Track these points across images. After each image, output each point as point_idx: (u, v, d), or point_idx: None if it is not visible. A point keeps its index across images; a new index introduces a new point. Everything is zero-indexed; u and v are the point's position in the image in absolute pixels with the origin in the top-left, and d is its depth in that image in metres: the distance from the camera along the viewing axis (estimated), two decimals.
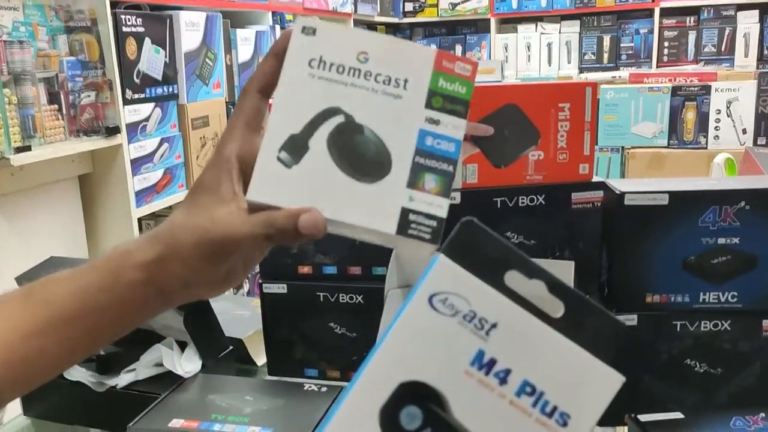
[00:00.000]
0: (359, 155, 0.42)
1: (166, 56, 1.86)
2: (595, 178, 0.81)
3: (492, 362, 0.36)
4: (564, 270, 0.71)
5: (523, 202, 0.80)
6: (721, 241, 0.73)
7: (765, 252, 0.73)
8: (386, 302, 0.77)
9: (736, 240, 0.73)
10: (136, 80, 1.76)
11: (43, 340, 0.42)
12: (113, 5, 1.67)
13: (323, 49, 0.43)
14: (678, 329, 0.76)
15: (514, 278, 0.38)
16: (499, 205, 0.80)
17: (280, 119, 0.42)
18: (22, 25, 1.50)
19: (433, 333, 0.36)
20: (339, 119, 0.42)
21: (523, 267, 0.38)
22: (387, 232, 0.42)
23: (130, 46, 1.72)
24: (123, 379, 0.79)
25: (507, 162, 0.79)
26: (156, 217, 1.97)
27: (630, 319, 0.76)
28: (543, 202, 0.80)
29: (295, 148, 0.42)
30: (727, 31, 3.66)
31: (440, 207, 0.42)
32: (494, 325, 0.37)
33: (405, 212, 0.42)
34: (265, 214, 0.41)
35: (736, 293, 0.75)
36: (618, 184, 0.77)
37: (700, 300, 0.75)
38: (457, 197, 0.78)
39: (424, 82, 0.43)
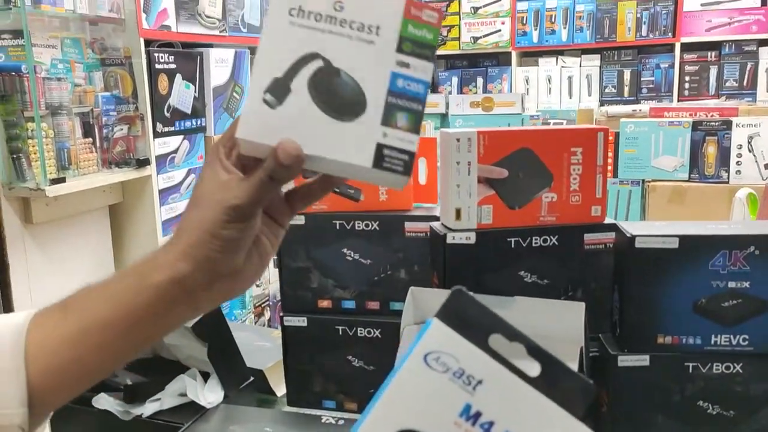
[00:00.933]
0: (337, 96, 0.46)
1: (195, 91, 1.93)
2: (608, 220, 0.83)
3: (478, 414, 0.41)
4: (575, 311, 0.73)
5: (536, 243, 0.82)
6: (732, 284, 0.75)
7: None
8: (402, 338, 0.79)
9: (746, 284, 0.74)
10: (167, 114, 1.82)
11: (79, 347, 0.45)
12: (147, 43, 1.74)
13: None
14: (690, 371, 0.77)
15: (497, 341, 0.43)
16: (513, 245, 0.82)
17: (264, 64, 0.45)
18: (60, 62, 1.57)
19: (427, 387, 0.41)
20: (318, 63, 0.46)
21: (505, 331, 0.43)
22: (363, 165, 0.45)
23: (162, 81, 1.79)
24: (148, 409, 0.82)
25: (521, 204, 0.82)
26: None
27: (642, 360, 0.77)
28: (556, 243, 0.82)
29: (279, 90, 0.45)
30: (748, 66, 3.67)
31: (411, 142, 0.46)
32: (480, 382, 0.41)
33: (380, 147, 0.46)
34: (261, 164, 0.44)
35: (747, 336, 0.76)
36: (629, 227, 0.79)
37: (712, 342, 0.77)
38: (472, 237, 0.81)
39: (395, 29, 0.46)
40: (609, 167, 3.03)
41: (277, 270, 2.59)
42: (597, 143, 0.82)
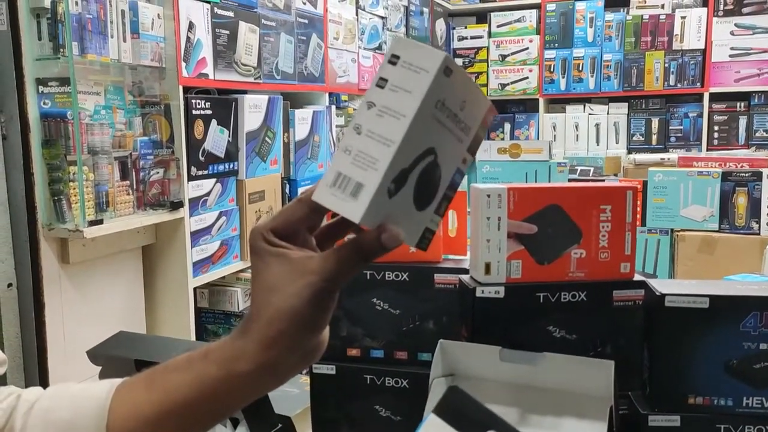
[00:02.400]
0: (429, 190, 0.47)
1: (229, 136, 1.98)
2: (637, 276, 0.84)
3: None
4: (605, 369, 0.73)
5: (565, 298, 0.83)
6: (763, 346, 0.74)
7: None
8: (430, 390, 0.80)
9: None
10: (201, 158, 1.88)
11: (158, 428, 0.46)
12: (185, 90, 1.81)
13: (448, 93, 0.45)
14: None
15: None
16: (541, 300, 0.83)
17: (402, 149, 0.44)
18: (103, 108, 1.64)
19: None
20: (430, 159, 0.46)
21: (500, 428, 0.43)
22: (411, 244, 0.47)
23: (198, 127, 1.85)
24: None
25: (550, 259, 0.83)
26: (210, 286, 2.05)
27: (672, 420, 0.77)
28: (585, 299, 0.83)
29: (401, 181, 0.45)
30: None
31: (437, 224, 0.49)
32: None
33: (425, 231, 0.48)
34: (348, 241, 0.44)
35: None
36: (658, 285, 0.80)
37: (744, 404, 0.76)
38: (501, 291, 0.82)
39: (474, 130, 0.49)
40: (637, 216, 3.02)
41: None
42: (626, 201, 0.83)
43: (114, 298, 1.77)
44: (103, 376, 0.92)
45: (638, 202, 3.04)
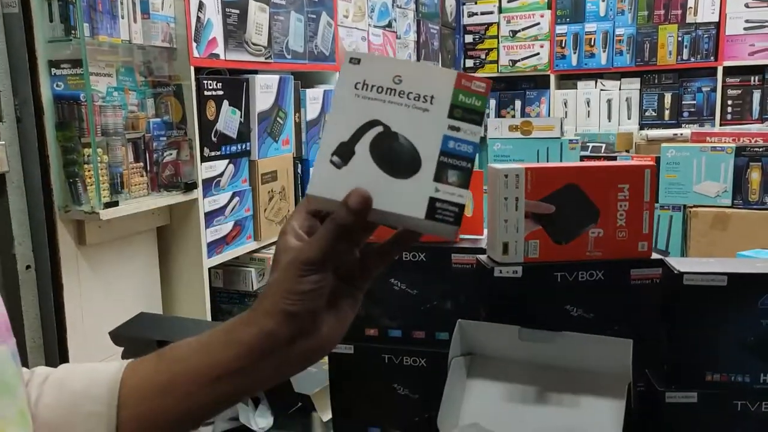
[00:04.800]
0: (395, 157, 0.51)
1: (241, 116, 1.98)
2: (654, 255, 0.84)
3: None
4: (623, 347, 0.73)
5: (582, 277, 0.83)
6: None
7: None
8: (450, 369, 0.81)
9: None
10: (213, 139, 1.88)
11: (167, 396, 0.48)
12: (197, 71, 1.80)
13: (366, 74, 0.52)
14: (739, 409, 0.77)
15: None
16: (559, 279, 0.83)
17: (331, 130, 0.52)
18: (115, 90, 1.64)
19: None
20: (378, 129, 0.52)
21: None
22: (417, 216, 0.50)
23: (210, 108, 1.85)
24: None
25: (568, 239, 0.83)
26: (225, 266, 2.07)
27: (690, 397, 0.77)
28: (602, 278, 0.83)
29: (344, 152, 0.51)
30: None
31: (461, 196, 0.51)
32: None
33: (432, 201, 0.51)
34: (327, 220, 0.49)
35: None
36: (676, 263, 0.80)
37: (761, 381, 0.76)
38: (519, 271, 0.82)
39: (446, 98, 0.52)
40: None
41: None
42: (644, 180, 0.83)
43: (130, 279, 1.79)
44: (125, 356, 0.94)
45: (654, 182, 3.03)
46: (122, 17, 1.57)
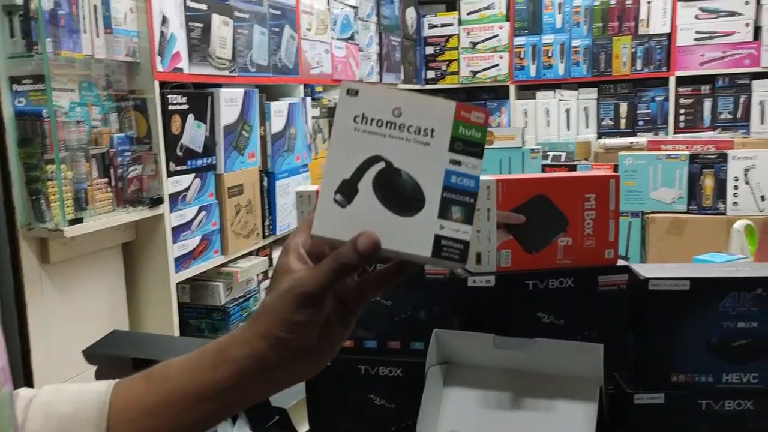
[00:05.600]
0: (398, 194, 0.51)
1: (207, 130, 1.98)
2: (621, 261, 0.87)
3: None
4: (594, 352, 0.76)
5: (553, 285, 0.86)
6: (741, 325, 0.78)
7: None
8: (427, 378, 0.82)
9: (755, 324, 0.78)
10: (179, 153, 1.87)
11: (158, 418, 0.48)
12: (161, 85, 1.79)
13: (365, 107, 0.52)
14: (703, 407, 0.80)
15: None
16: (530, 287, 0.86)
17: (333, 167, 0.51)
18: (78, 105, 1.62)
19: None
20: (381, 165, 0.51)
21: None
22: (424, 255, 0.50)
23: (175, 122, 1.83)
24: None
25: (538, 248, 0.86)
26: (192, 281, 2.05)
27: (657, 398, 0.80)
28: (572, 285, 0.86)
29: (347, 190, 0.51)
30: (742, 99, 3.75)
31: (465, 233, 0.51)
32: None
33: (438, 239, 0.51)
34: (331, 254, 0.49)
35: (757, 374, 0.79)
36: (641, 269, 0.83)
37: (723, 380, 0.80)
38: (492, 280, 0.85)
39: (447, 130, 0.52)
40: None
41: None
42: (609, 189, 0.87)
43: (96, 297, 1.75)
44: (99, 374, 0.93)
45: (618, 192, 3.11)
46: (84, 32, 1.55)
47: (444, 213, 0.51)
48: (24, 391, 0.52)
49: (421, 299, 0.94)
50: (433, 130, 0.52)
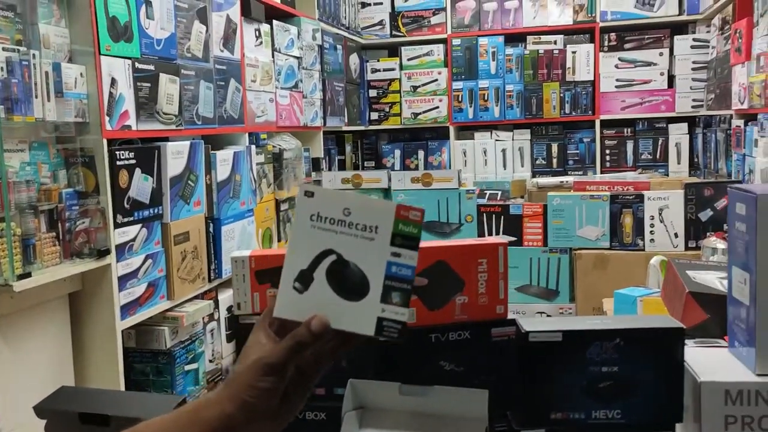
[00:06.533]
0: (348, 282, 0.62)
1: (153, 182, 2.08)
2: (510, 315, 1.02)
3: None
4: (480, 397, 0.90)
5: (452, 337, 1.01)
6: (605, 369, 0.94)
7: (637, 377, 0.94)
8: (343, 422, 0.95)
9: (615, 368, 0.94)
10: (126, 205, 1.96)
11: None
12: (110, 142, 1.89)
13: (319, 207, 0.63)
14: None
15: None
16: (433, 340, 1.00)
17: (293, 258, 0.62)
18: (28, 165, 1.71)
19: None
20: (333, 257, 0.62)
21: None
22: (368, 334, 0.62)
23: (123, 176, 1.93)
24: None
25: (438, 306, 1.01)
26: (137, 326, 2.12)
27: None
28: (468, 337, 1.01)
29: (304, 279, 0.62)
30: (660, 141, 4.05)
31: (403, 314, 0.63)
32: None
33: (380, 320, 0.62)
34: (290, 333, 0.61)
35: (620, 411, 0.95)
36: (525, 323, 0.98)
37: (593, 417, 0.95)
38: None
39: (388, 228, 0.63)
40: (540, 237, 3.29)
41: (229, 344, 2.67)
42: (499, 255, 1.02)
43: (42, 346, 1.82)
44: (49, 429, 1.01)
45: (539, 224, 3.32)
46: (36, 97, 1.65)
47: (385, 298, 0.62)
48: None
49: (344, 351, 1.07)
50: (377, 227, 0.63)
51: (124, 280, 1.97)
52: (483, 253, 1.01)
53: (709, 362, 0.94)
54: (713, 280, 1.49)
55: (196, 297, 2.39)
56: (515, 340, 1.00)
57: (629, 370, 0.94)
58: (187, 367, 2.25)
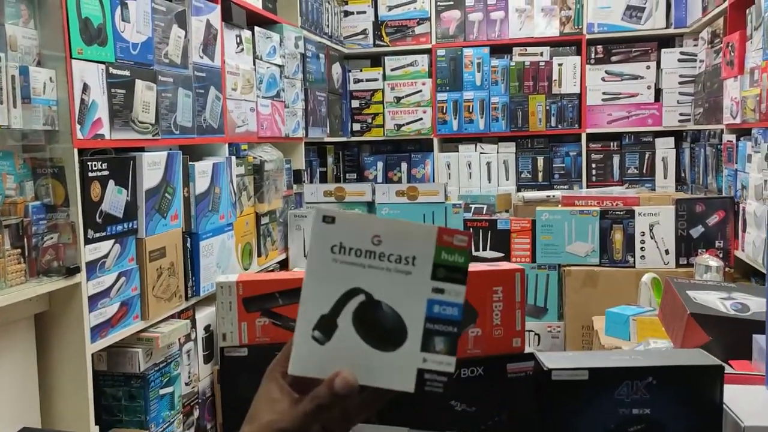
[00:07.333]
0: (379, 328, 0.50)
1: (128, 195, 1.95)
2: (527, 348, 0.93)
3: None
4: None
5: (464, 374, 0.90)
6: (635, 411, 0.85)
7: (671, 420, 0.85)
8: None
9: (647, 410, 0.85)
10: (98, 220, 1.83)
11: None
12: (81, 152, 1.77)
13: (342, 236, 0.50)
14: None
15: None
16: None
17: (311, 301, 0.49)
18: None
19: None
20: (361, 298, 0.50)
21: None
22: (407, 390, 0.50)
23: (95, 189, 1.81)
24: None
25: None
26: (110, 348, 1.99)
27: None
28: (482, 373, 0.91)
29: (326, 326, 0.49)
30: (647, 155, 4.02)
31: (450, 364, 0.51)
32: None
33: (420, 372, 0.50)
34: (309, 394, 0.49)
35: None
36: (546, 359, 0.89)
37: None
38: None
39: (429, 257, 0.50)
40: (528, 253, 3.22)
41: (206, 365, 2.54)
42: (515, 282, 0.93)
43: (4, 373, 1.68)
44: None
45: (527, 240, 3.24)
46: (1, 102, 1.52)
47: (427, 346, 0.50)
48: None
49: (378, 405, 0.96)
50: (414, 258, 0.50)
51: (95, 299, 1.84)
52: (498, 280, 0.92)
53: (751, 403, 0.85)
54: (715, 301, 1.42)
55: (172, 316, 2.25)
56: (534, 377, 0.90)
57: (662, 413, 0.84)
58: (162, 391, 2.12)
